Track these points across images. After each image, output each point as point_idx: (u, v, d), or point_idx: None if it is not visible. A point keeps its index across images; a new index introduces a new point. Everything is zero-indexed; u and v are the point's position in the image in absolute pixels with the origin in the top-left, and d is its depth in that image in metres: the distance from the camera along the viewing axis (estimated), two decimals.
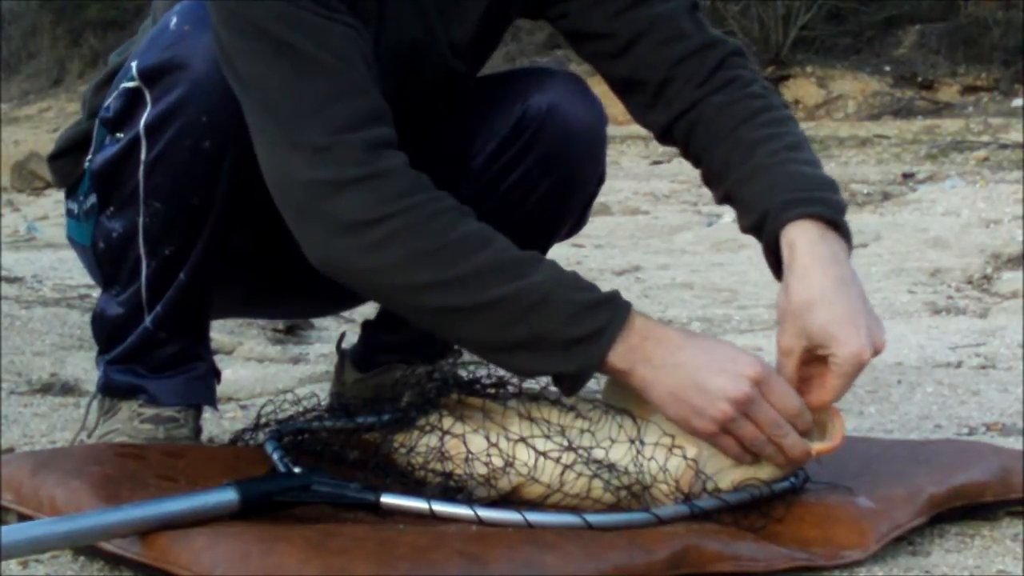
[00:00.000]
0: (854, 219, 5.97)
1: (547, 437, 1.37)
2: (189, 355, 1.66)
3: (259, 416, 1.57)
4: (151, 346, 1.63)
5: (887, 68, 11.33)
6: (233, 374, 2.55)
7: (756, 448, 1.32)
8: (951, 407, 2.19)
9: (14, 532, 1.17)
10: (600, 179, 1.78)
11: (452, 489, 1.37)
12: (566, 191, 1.74)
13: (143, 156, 1.55)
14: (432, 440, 1.41)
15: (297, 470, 1.37)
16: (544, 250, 1.72)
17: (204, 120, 1.51)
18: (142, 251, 1.59)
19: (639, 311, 1.34)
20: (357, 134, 1.35)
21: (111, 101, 1.58)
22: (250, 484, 1.28)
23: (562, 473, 1.35)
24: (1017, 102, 10.38)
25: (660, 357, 1.31)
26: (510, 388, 1.47)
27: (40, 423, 2.06)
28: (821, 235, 1.38)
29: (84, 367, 2.49)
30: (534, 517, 1.28)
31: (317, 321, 3.23)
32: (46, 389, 2.36)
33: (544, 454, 1.36)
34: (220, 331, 2.93)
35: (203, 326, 1.69)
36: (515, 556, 1.18)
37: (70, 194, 1.71)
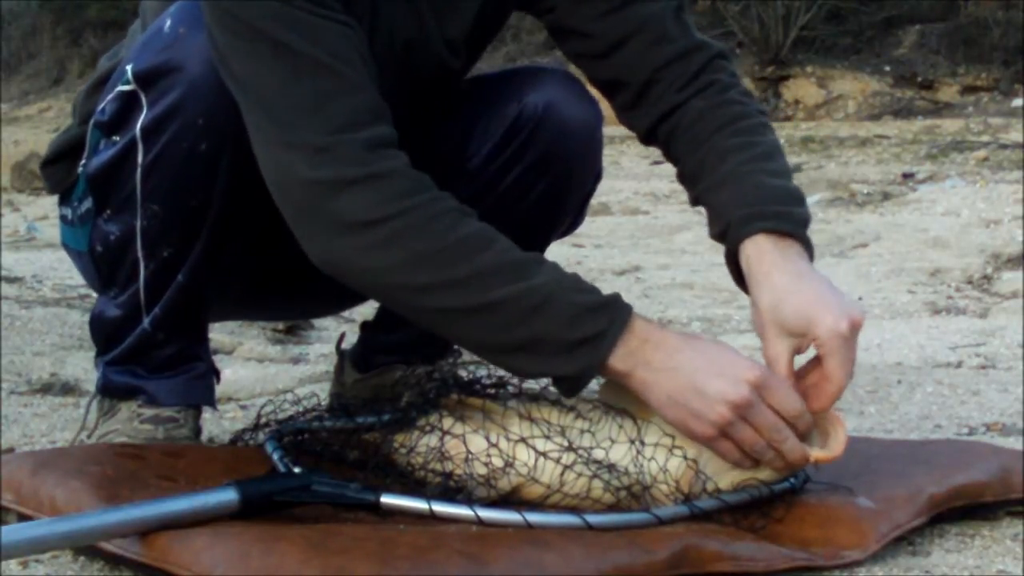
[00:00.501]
0: (854, 219, 6.01)
1: (547, 437, 1.37)
2: (188, 355, 1.66)
3: (259, 416, 1.57)
4: (150, 347, 1.63)
5: (887, 68, 11.33)
6: (233, 374, 2.55)
7: (755, 453, 1.32)
8: (951, 407, 2.19)
9: (14, 532, 1.17)
10: (597, 177, 1.78)
11: (452, 489, 1.37)
12: (563, 190, 1.74)
13: (140, 159, 1.55)
14: (432, 440, 1.41)
15: (297, 470, 1.37)
16: (542, 249, 1.73)
17: (201, 122, 1.51)
18: (140, 253, 1.59)
19: (639, 314, 1.35)
20: (356, 133, 1.35)
21: (106, 104, 1.58)
22: (250, 484, 1.28)
23: (562, 473, 1.35)
24: (1017, 102, 10.38)
25: (659, 360, 1.31)
26: (510, 388, 1.47)
27: (40, 423, 2.06)
28: (775, 245, 1.40)
29: (84, 367, 2.49)
30: (534, 517, 1.28)
31: (317, 321, 3.23)
32: (46, 389, 2.36)
33: (544, 454, 1.36)
34: (220, 331, 2.93)
35: (202, 327, 1.69)
36: (515, 556, 1.18)
37: (63, 200, 1.71)
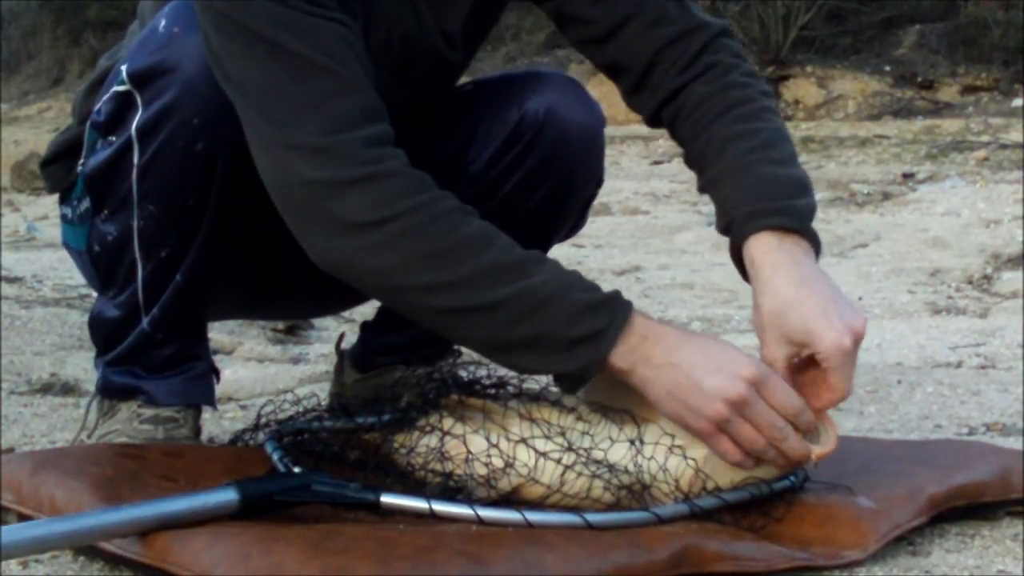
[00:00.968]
0: (854, 219, 6.01)
1: (547, 438, 1.37)
2: (187, 355, 1.66)
3: (259, 416, 1.57)
4: (149, 347, 1.63)
5: (887, 68, 11.33)
6: (233, 374, 2.55)
7: (755, 451, 1.32)
8: (951, 407, 2.19)
9: (14, 532, 1.17)
10: (598, 181, 1.78)
11: (452, 489, 1.37)
12: (565, 194, 1.74)
13: (136, 159, 1.55)
14: (432, 440, 1.41)
15: (297, 470, 1.37)
16: (543, 252, 1.73)
17: (196, 122, 1.51)
18: (137, 254, 1.59)
19: (639, 310, 1.35)
20: (354, 133, 1.35)
21: (102, 105, 1.58)
22: (250, 484, 1.28)
23: (562, 474, 1.35)
24: (1017, 102, 10.39)
25: (658, 356, 1.31)
26: (510, 389, 1.48)
27: (40, 423, 2.06)
28: (779, 244, 1.39)
29: (84, 367, 2.49)
30: (534, 516, 1.28)
31: (317, 321, 3.23)
32: (46, 389, 2.36)
33: (544, 455, 1.36)
34: (220, 331, 2.93)
35: (201, 326, 1.69)
36: (515, 556, 1.18)
37: (64, 200, 1.71)
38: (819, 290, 1.36)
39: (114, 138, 1.56)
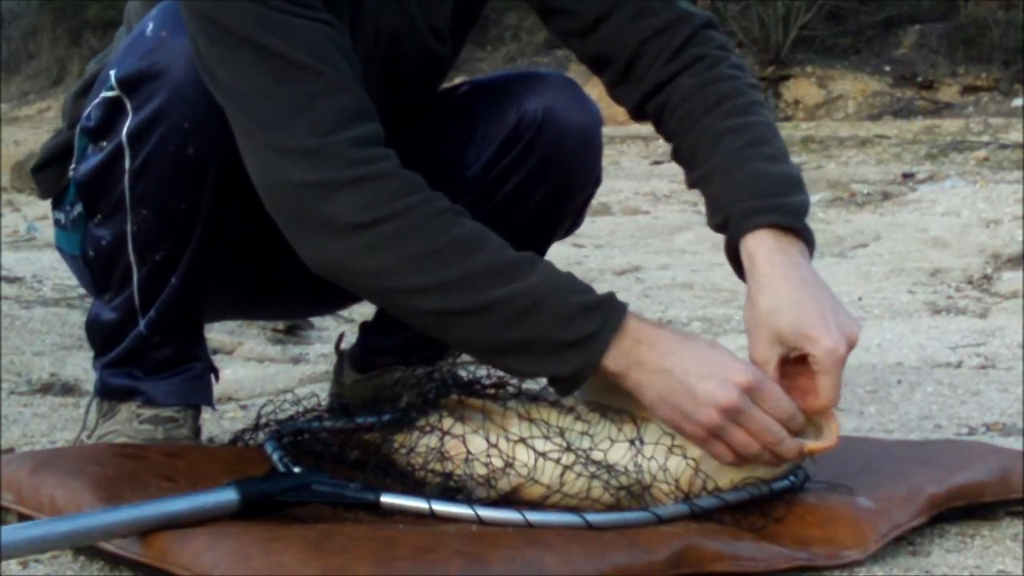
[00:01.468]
0: (854, 219, 6.01)
1: (547, 438, 1.37)
2: (185, 356, 1.66)
3: (259, 416, 1.57)
4: (146, 349, 1.63)
5: (887, 68, 11.33)
6: (233, 374, 2.55)
7: (748, 455, 1.31)
8: (951, 407, 2.19)
9: (14, 532, 1.17)
10: (596, 181, 1.78)
11: (452, 489, 1.37)
12: (563, 196, 1.74)
13: (127, 165, 1.54)
14: (432, 440, 1.41)
15: (297, 470, 1.37)
16: (541, 253, 1.72)
17: (187, 126, 1.51)
18: (132, 257, 1.58)
19: (635, 313, 1.34)
20: (343, 134, 1.34)
21: (92, 110, 1.57)
22: (250, 484, 1.28)
23: (562, 474, 1.35)
24: (1017, 102, 10.39)
25: (652, 361, 1.31)
26: (510, 389, 1.47)
27: (40, 423, 2.06)
28: (778, 243, 1.38)
29: (84, 367, 2.49)
30: (534, 516, 1.28)
31: (317, 321, 3.23)
32: (46, 389, 2.36)
33: (544, 455, 1.36)
34: (220, 331, 2.93)
35: (197, 327, 1.68)
36: (515, 556, 1.18)
37: (56, 204, 1.71)
38: (817, 294, 1.36)
39: (105, 143, 1.56)
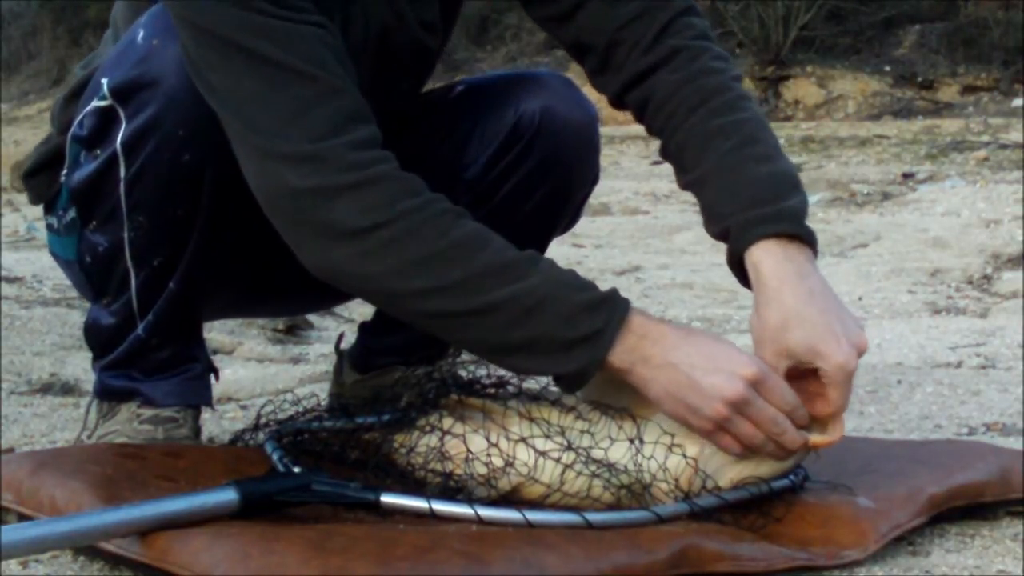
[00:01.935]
0: (854, 219, 6.01)
1: (547, 437, 1.37)
2: (184, 357, 1.66)
3: (259, 416, 1.57)
4: (145, 351, 1.63)
5: (887, 68, 11.33)
6: (233, 374, 2.55)
7: (754, 446, 1.32)
8: (951, 407, 2.19)
9: (14, 532, 1.17)
10: (595, 179, 1.78)
11: (452, 489, 1.37)
12: (562, 195, 1.74)
13: (122, 173, 1.53)
14: (432, 440, 1.41)
15: (297, 470, 1.37)
16: (541, 251, 1.72)
17: (181, 133, 1.50)
18: (129, 264, 1.58)
19: (638, 308, 1.34)
20: (340, 138, 1.34)
21: (84, 119, 1.55)
22: (250, 484, 1.28)
23: (562, 473, 1.35)
24: (1017, 102, 10.39)
25: (657, 356, 1.31)
26: (510, 388, 1.47)
27: (40, 423, 2.06)
28: (784, 252, 1.37)
29: (84, 367, 2.49)
30: (534, 516, 1.27)
31: (317, 321, 3.23)
32: (46, 389, 2.36)
33: (544, 454, 1.36)
34: (220, 331, 2.93)
35: (196, 329, 1.68)
36: (515, 556, 1.18)
37: (48, 209, 1.70)
38: (825, 306, 1.35)
39: (99, 152, 1.55)
